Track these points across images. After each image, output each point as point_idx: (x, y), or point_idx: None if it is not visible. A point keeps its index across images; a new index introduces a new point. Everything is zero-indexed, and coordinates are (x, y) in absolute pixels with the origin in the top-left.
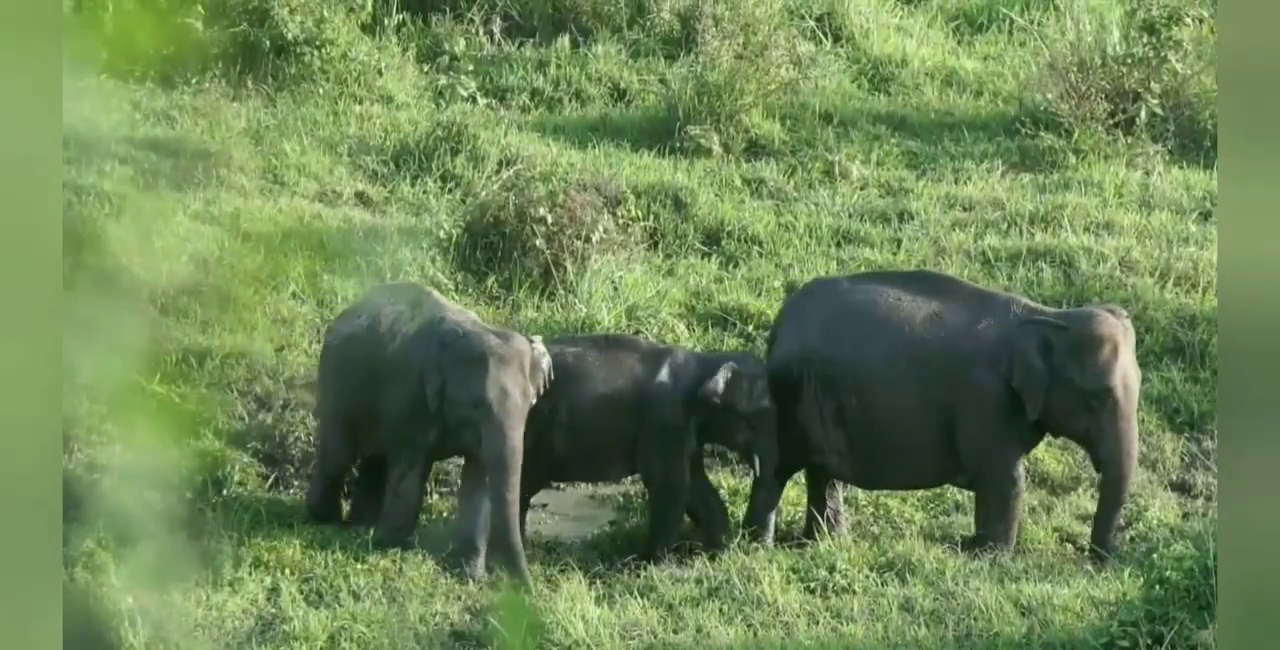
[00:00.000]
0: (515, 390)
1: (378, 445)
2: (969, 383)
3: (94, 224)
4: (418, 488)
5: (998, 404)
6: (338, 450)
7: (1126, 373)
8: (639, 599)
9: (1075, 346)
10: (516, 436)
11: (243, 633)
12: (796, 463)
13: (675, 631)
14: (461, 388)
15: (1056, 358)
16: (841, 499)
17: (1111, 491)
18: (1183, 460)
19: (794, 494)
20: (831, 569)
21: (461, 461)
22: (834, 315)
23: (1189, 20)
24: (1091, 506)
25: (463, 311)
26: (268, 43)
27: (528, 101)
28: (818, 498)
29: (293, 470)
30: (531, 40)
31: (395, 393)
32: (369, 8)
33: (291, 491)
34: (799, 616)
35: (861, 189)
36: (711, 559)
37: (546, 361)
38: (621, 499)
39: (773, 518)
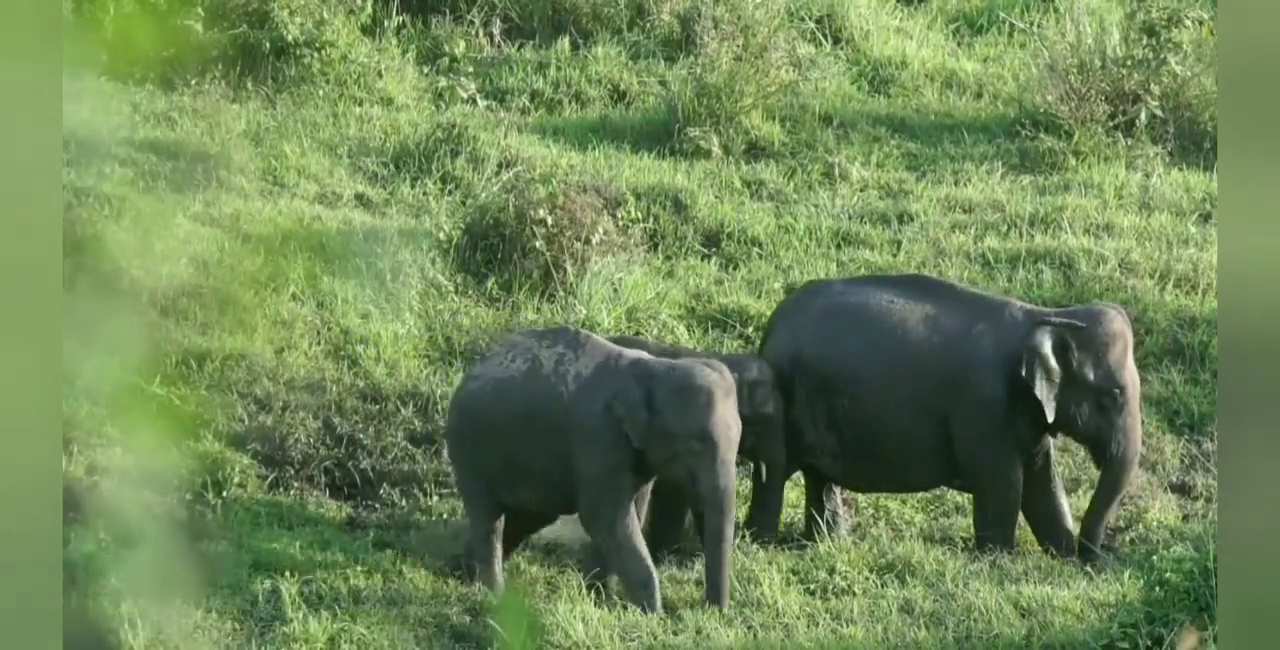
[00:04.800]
0: (735, 423)
1: (528, 496)
2: (966, 386)
3: (94, 226)
4: (637, 532)
5: (995, 407)
6: (487, 501)
7: (1133, 370)
8: None
9: (1091, 344)
10: (734, 470)
11: (243, 635)
12: (791, 464)
13: (675, 633)
14: (681, 421)
15: (1073, 357)
16: (840, 501)
17: (1112, 487)
18: (1183, 462)
19: (794, 496)
20: (831, 571)
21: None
22: (826, 317)
23: (1189, 22)
24: None
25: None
26: (267, 45)
27: (527, 103)
28: (816, 499)
29: (292, 472)
30: (531, 42)
31: (580, 439)
32: (369, 10)
33: (291, 493)
34: (799, 618)
35: (861, 191)
36: None
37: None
38: None
39: (776, 521)
